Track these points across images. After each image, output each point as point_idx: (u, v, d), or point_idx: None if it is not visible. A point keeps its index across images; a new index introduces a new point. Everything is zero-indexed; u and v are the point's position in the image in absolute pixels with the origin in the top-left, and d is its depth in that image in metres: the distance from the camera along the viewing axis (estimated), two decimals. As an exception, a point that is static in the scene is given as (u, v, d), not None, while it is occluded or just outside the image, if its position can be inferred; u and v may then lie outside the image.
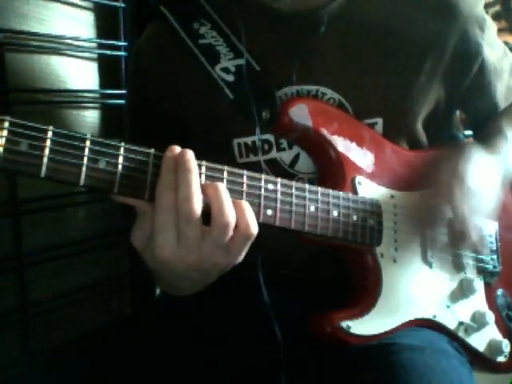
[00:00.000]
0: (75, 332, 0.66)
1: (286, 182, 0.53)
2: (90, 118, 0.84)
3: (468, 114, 0.78)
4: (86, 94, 0.84)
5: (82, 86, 0.83)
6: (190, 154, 0.45)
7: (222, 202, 0.45)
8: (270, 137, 0.63)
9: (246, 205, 0.47)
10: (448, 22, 0.64)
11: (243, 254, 0.48)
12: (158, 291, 0.89)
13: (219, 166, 0.49)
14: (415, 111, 0.66)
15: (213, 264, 0.47)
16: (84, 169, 0.42)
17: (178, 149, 0.46)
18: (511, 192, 0.73)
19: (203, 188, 0.46)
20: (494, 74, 0.71)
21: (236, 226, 0.46)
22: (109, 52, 0.86)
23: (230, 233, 0.46)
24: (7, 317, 0.75)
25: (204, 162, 0.48)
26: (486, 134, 0.72)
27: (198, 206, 0.44)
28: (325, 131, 0.60)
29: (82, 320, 0.84)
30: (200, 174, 0.48)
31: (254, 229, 0.47)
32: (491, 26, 0.70)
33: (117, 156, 0.44)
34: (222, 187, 0.46)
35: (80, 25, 0.81)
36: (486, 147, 0.67)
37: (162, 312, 0.70)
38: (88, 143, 0.43)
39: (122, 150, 0.44)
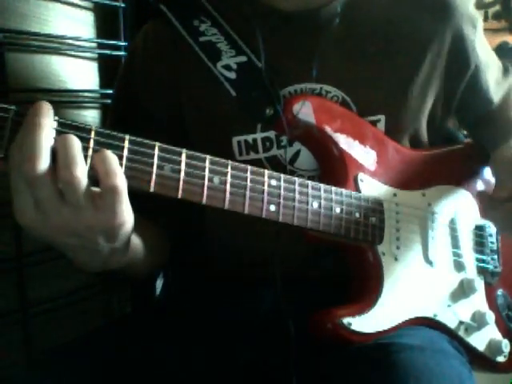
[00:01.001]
0: (75, 332, 0.66)
1: (289, 177, 0.53)
2: (89, 117, 0.84)
3: (464, 115, 0.78)
4: (86, 94, 0.84)
5: (82, 86, 0.83)
6: (40, 109, 0.41)
7: (66, 155, 0.40)
8: (270, 134, 0.63)
9: (104, 154, 0.42)
10: (444, 19, 0.65)
11: (120, 210, 0.42)
12: (158, 291, 0.89)
13: (224, 161, 0.49)
14: (416, 108, 0.66)
15: (85, 227, 0.42)
16: (89, 160, 0.42)
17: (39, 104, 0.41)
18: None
19: None
20: (487, 71, 0.72)
21: (98, 180, 0.42)
22: (109, 52, 0.86)
23: (81, 189, 0.40)
24: (7, 317, 0.75)
25: (208, 156, 0.48)
26: (498, 127, 0.73)
27: (42, 166, 0.39)
28: (328, 128, 0.60)
29: (82, 320, 0.84)
30: (204, 167, 0.48)
31: (116, 178, 0.41)
32: (481, 24, 0.71)
33: (122, 148, 0.44)
34: (71, 138, 0.41)
35: (80, 25, 0.81)
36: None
37: (162, 312, 0.70)
38: (93, 134, 0.43)
39: (126, 142, 0.44)
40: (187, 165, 0.47)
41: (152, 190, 0.45)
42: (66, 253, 0.47)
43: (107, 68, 0.86)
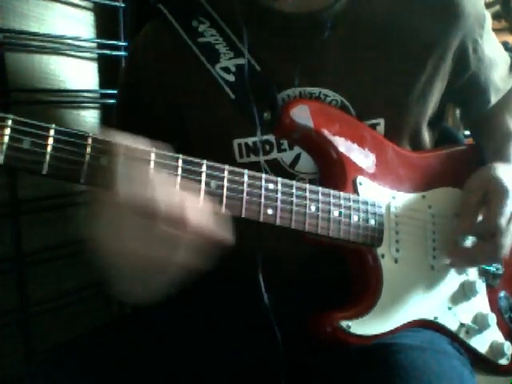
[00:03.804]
0: (75, 332, 0.66)
1: (286, 181, 0.53)
2: (89, 117, 0.84)
3: (461, 107, 0.79)
4: (85, 94, 0.84)
5: (82, 86, 0.83)
6: (145, 145, 0.44)
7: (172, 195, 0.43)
8: (271, 137, 0.63)
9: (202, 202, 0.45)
10: (451, 21, 0.64)
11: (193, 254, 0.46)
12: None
13: (220, 165, 0.49)
14: (417, 111, 0.65)
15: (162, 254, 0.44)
16: (85, 166, 0.42)
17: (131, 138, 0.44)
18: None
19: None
20: (490, 69, 0.71)
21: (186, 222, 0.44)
22: (109, 52, 0.86)
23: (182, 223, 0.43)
24: (7, 317, 0.75)
25: (205, 161, 0.48)
26: (491, 137, 0.73)
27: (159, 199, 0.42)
28: (326, 132, 0.60)
29: (82, 320, 0.84)
30: (200, 172, 0.48)
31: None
32: (489, 21, 0.70)
33: None
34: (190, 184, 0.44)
35: (80, 25, 0.81)
36: (502, 154, 0.68)
37: (162, 312, 0.69)
38: (90, 141, 0.43)
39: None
40: (184, 170, 0.47)
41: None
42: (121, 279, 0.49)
43: (107, 68, 0.86)
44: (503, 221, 0.59)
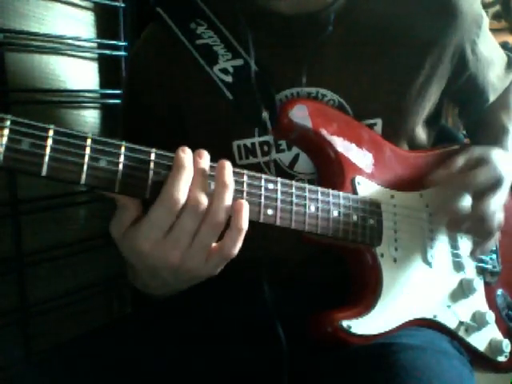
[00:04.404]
0: (75, 332, 0.66)
1: (286, 181, 0.53)
2: (90, 118, 0.84)
3: (460, 106, 0.79)
4: (86, 94, 0.84)
5: (82, 86, 0.83)
6: (205, 155, 0.46)
7: (222, 202, 0.45)
8: (269, 138, 0.63)
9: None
10: (449, 21, 0.64)
11: (219, 269, 0.48)
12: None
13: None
14: (414, 111, 0.66)
15: (189, 268, 0.46)
16: (85, 167, 0.42)
17: (188, 149, 0.46)
18: (511, 193, 0.73)
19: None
20: (487, 68, 0.71)
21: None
22: (109, 52, 0.86)
23: (217, 234, 0.45)
24: (7, 317, 0.75)
25: None
26: (489, 132, 0.74)
27: (205, 201, 0.45)
28: (324, 132, 0.60)
29: (82, 320, 0.85)
30: None
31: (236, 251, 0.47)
32: (486, 21, 0.70)
33: (118, 155, 0.43)
34: (231, 188, 0.46)
35: (80, 25, 0.81)
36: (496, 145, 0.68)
37: (162, 312, 0.70)
38: (89, 142, 0.42)
39: (123, 148, 0.44)
40: None
41: (148, 196, 0.45)
42: (146, 279, 0.52)
43: (107, 68, 0.86)
44: (482, 179, 0.61)
